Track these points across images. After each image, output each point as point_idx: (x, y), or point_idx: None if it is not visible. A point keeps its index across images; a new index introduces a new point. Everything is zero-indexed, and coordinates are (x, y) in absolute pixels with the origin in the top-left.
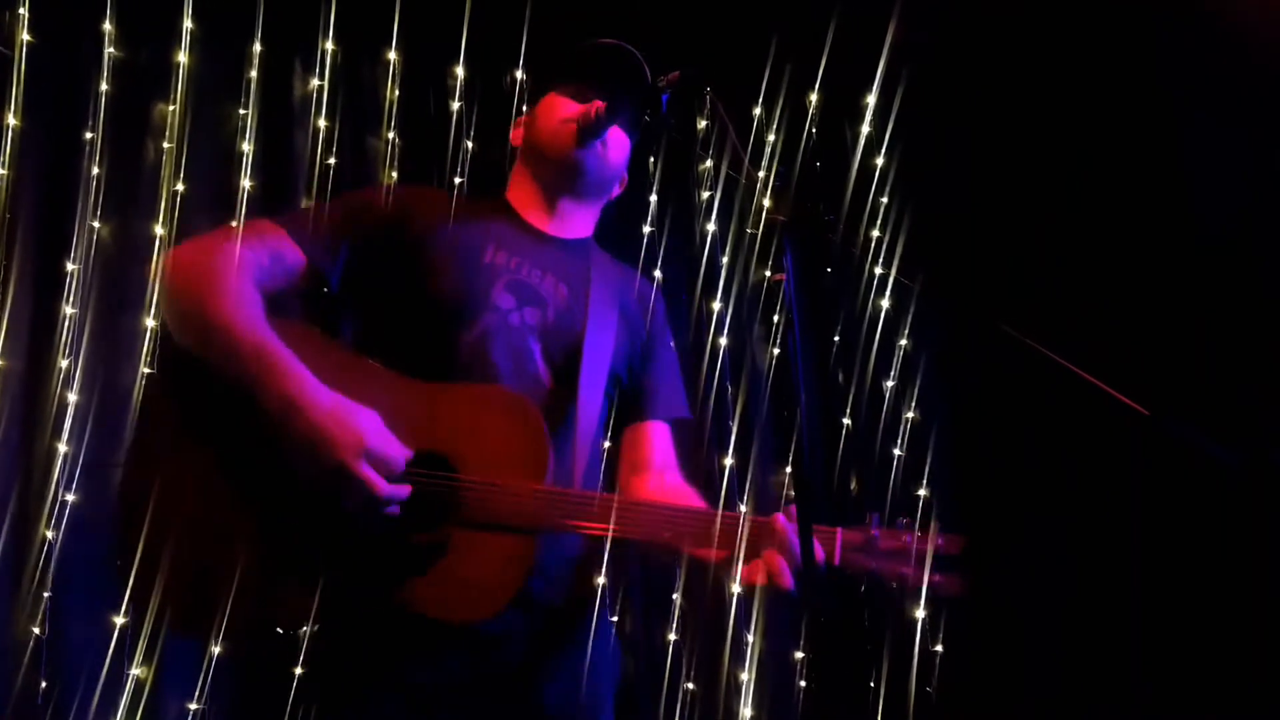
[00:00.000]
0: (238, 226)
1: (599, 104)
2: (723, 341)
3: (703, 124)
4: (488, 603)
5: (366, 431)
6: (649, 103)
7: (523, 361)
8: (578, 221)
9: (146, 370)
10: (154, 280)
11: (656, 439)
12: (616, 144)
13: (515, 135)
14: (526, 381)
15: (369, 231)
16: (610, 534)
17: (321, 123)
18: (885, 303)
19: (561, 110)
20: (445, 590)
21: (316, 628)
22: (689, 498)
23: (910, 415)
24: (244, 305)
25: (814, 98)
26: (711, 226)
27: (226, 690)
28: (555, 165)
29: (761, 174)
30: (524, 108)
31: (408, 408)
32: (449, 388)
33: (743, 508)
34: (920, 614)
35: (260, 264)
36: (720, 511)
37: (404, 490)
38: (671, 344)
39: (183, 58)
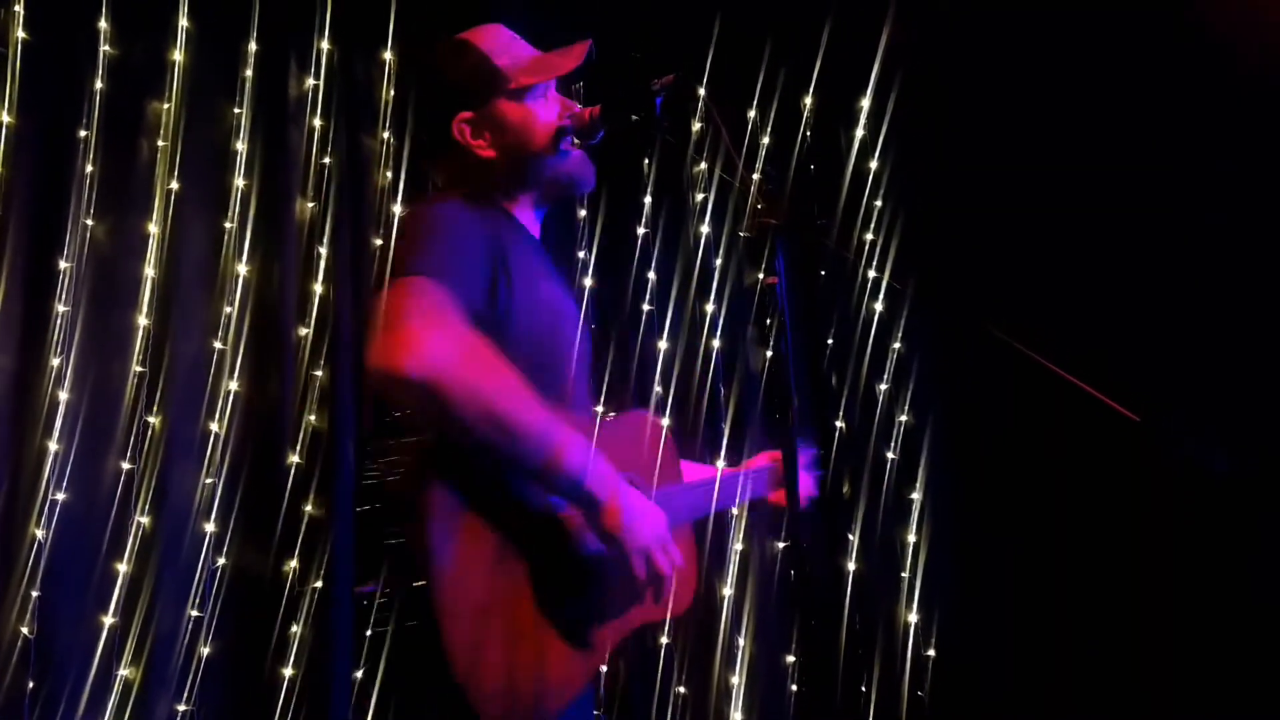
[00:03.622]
0: (416, 299)
1: (594, 109)
2: (716, 344)
3: (697, 126)
4: (690, 590)
5: (664, 520)
6: (642, 105)
7: (581, 382)
8: (542, 222)
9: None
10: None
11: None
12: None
13: (482, 149)
14: (587, 398)
15: (490, 271)
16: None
17: (317, 122)
18: (878, 306)
19: (538, 117)
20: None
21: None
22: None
23: (903, 418)
24: (531, 395)
25: (808, 101)
26: (705, 229)
27: (214, 691)
28: (566, 176)
29: (755, 177)
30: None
31: (604, 441)
32: (613, 421)
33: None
34: (913, 618)
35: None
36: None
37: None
38: None
39: (178, 56)
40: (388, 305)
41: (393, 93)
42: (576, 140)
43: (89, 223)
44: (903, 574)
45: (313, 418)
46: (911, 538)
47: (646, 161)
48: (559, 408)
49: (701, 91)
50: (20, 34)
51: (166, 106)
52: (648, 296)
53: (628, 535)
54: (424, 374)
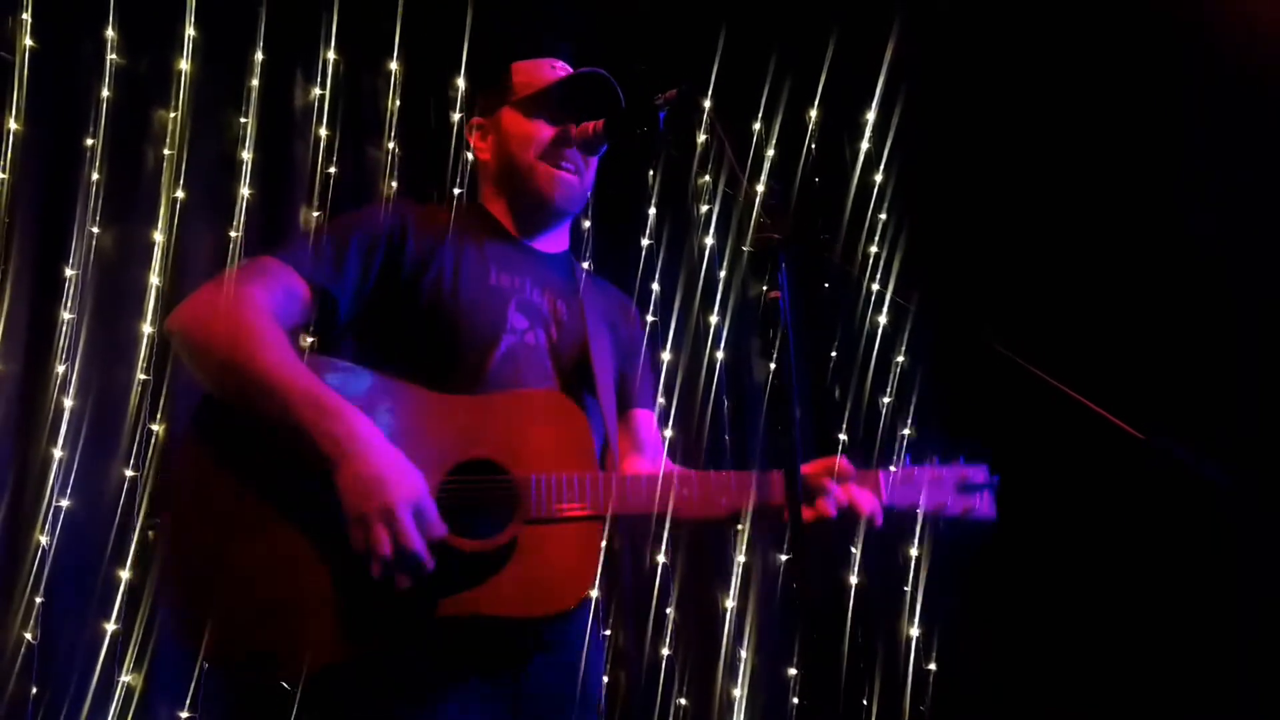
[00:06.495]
0: (233, 270)
1: (597, 123)
2: (719, 355)
3: (701, 139)
4: (570, 591)
5: (420, 490)
6: (646, 119)
7: (542, 380)
8: (557, 236)
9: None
10: (158, 333)
11: (649, 424)
12: (591, 164)
13: (481, 151)
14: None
15: (372, 252)
16: (675, 511)
17: (322, 132)
18: (882, 319)
19: (536, 132)
20: (523, 587)
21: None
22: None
23: (905, 432)
24: (278, 348)
25: (813, 114)
26: (709, 241)
27: (217, 699)
28: (536, 192)
29: (759, 190)
30: (472, 115)
31: (452, 418)
32: (486, 398)
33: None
34: (915, 632)
35: (275, 300)
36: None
37: (431, 562)
38: (645, 345)
39: (184, 65)
40: None
41: (398, 103)
42: (583, 153)
43: (95, 230)
44: (904, 588)
45: None
46: (913, 552)
47: (651, 174)
48: (461, 389)
49: (706, 104)
50: (27, 42)
51: (173, 115)
52: (651, 308)
53: (347, 500)
54: (176, 326)
